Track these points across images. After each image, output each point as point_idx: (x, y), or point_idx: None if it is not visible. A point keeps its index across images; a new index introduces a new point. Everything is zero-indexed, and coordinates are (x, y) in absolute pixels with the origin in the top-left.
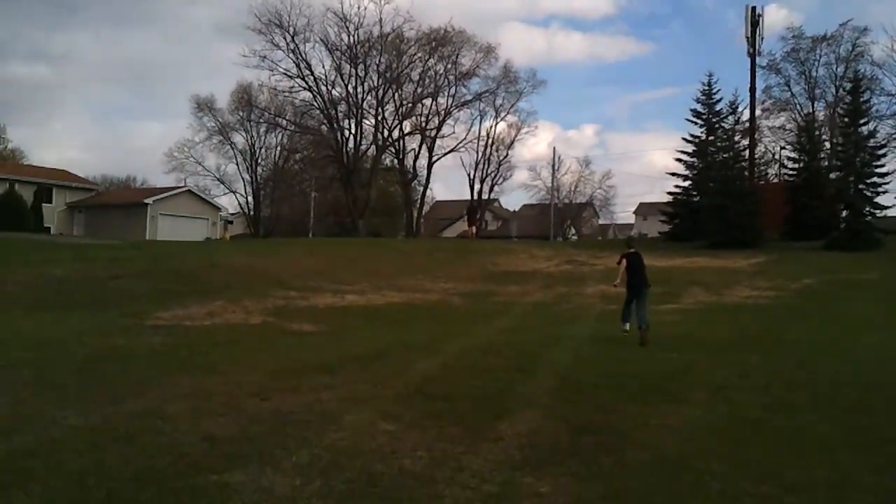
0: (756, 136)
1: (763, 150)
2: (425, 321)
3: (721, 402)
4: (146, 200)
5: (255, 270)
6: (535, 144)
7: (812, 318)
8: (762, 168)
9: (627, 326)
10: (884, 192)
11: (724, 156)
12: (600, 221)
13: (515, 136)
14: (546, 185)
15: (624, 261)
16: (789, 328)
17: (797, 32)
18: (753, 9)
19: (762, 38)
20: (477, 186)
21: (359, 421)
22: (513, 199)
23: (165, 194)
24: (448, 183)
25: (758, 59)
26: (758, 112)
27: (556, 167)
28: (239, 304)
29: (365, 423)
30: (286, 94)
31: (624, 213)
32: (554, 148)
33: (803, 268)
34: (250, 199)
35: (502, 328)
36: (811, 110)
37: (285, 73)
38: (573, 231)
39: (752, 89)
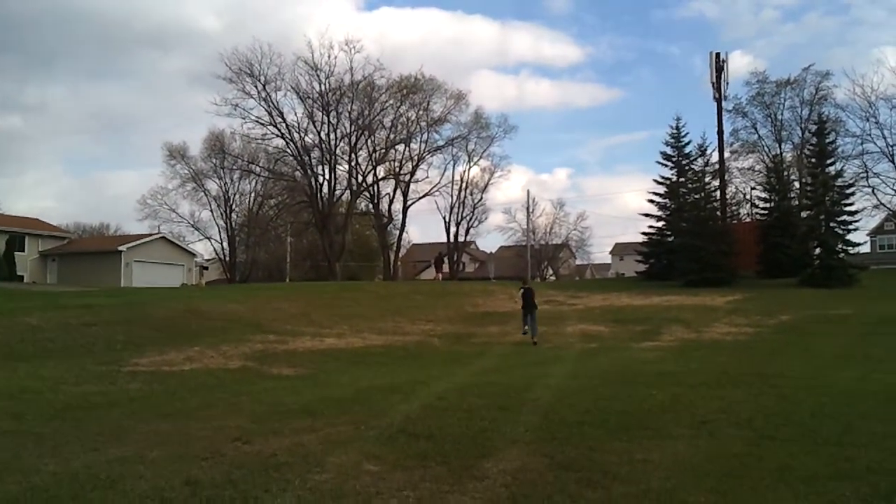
0: (726, 177)
1: (734, 190)
2: (406, 363)
3: (704, 437)
4: (120, 248)
5: (233, 315)
6: (510, 188)
7: (791, 353)
8: (733, 208)
9: (527, 328)
10: (854, 230)
11: (696, 197)
12: (577, 262)
13: (489, 180)
14: (521, 227)
15: (520, 293)
16: (769, 363)
17: (762, 77)
18: (718, 55)
19: (727, 83)
20: (452, 229)
21: (342, 462)
22: (489, 241)
23: (139, 241)
24: (424, 226)
25: (724, 104)
26: (726, 154)
27: (530, 209)
28: (217, 349)
29: (349, 464)
30: (259, 141)
31: (601, 254)
32: (528, 191)
33: (779, 304)
34: (225, 244)
35: (483, 368)
36: (778, 152)
37: (257, 121)
38: (550, 272)
39: (720, 132)
